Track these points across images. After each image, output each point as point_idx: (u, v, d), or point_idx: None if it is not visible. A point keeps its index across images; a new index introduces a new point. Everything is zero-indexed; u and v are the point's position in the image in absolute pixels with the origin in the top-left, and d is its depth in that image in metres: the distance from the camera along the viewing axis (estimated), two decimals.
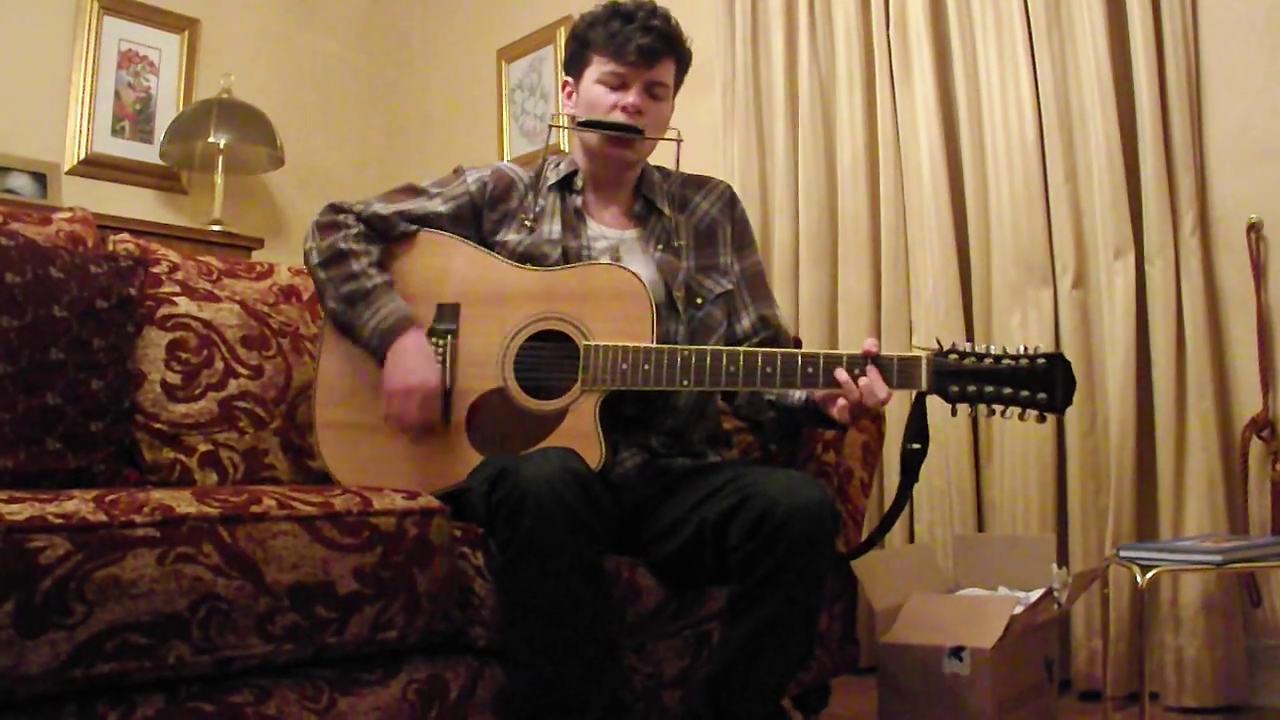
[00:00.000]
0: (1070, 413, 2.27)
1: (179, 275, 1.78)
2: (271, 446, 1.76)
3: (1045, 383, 1.44)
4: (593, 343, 1.53)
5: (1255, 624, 2.16)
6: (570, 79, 1.75)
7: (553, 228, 1.68)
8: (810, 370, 1.48)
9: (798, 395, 1.61)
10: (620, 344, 1.51)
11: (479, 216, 1.71)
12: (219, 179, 3.36)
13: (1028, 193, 2.42)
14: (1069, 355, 1.65)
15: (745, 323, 1.75)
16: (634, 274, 1.56)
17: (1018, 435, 2.39)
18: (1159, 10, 2.27)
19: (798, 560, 1.37)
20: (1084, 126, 2.36)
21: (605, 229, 1.72)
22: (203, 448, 1.68)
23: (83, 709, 1.05)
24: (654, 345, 1.51)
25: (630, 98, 1.66)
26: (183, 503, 1.15)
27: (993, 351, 1.46)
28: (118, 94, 3.42)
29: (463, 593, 1.36)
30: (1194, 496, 2.17)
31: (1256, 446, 2.15)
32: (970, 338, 2.52)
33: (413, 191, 1.71)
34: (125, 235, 1.82)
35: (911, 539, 2.57)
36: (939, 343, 1.49)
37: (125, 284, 1.67)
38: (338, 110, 3.96)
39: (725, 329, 1.72)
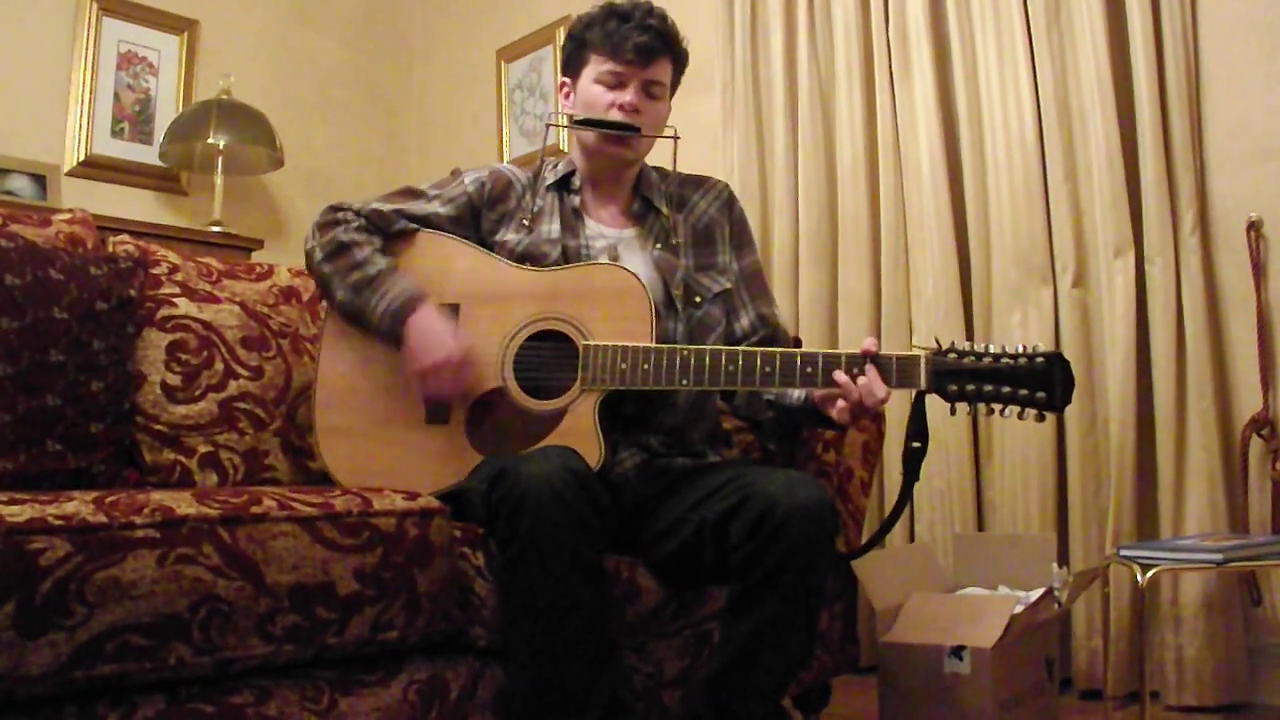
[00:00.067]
0: (1070, 412, 2.27)
1: (179, 276, 1.78)
2: (271, 447, 1.76)
3: (1044, 382, 1.44)
4: (592, 342, 1.53)
5: (1255, 623, 2.16)
6: (568, 79, 1.75)
7: (551, 227, 1.69)
8: (809, 370, 1.48)
9: (797, 395, 1.61)
10: (619, 344, 1.51)
11: (478, 217, 1.71)
12: (219, 180, 3.35)
13: (1028, 192, 2.42)
14: (1069, 355, 1.65)
15: (744, 321, 1.75)
16: (633, 273, 1.56)
17: (1018, 435, 2.39)
18: (1158, 10, 2.27)
19: (798, 560, 1.37)
20: (1084, 126, 2.36)
21: (603, 228, 1.72)
22: (203, 449, 1.69)
23: (83, 710, 1.05)
24: (653, 345, 1.51)
25: (627, 96, 1.66)
26: (183, 504, 1.15)
27: (991, 351, 1.46)
28: (117, 95, 3.41)
29: (463, 593, 1.36)
30: (1194, 495, 2.17)
31: (1256, 445, 2.15)
32: (970, 337, 2.52)
33: (411, 194, 1.71)
34: (125, 236, 1.82)
35: (911, 539, 2.57)
36: (938, 342, 1.49)
37: (125, 285, 1.67)
38: (338, 110, 3.95)
39: (724, 328, 1.72)
